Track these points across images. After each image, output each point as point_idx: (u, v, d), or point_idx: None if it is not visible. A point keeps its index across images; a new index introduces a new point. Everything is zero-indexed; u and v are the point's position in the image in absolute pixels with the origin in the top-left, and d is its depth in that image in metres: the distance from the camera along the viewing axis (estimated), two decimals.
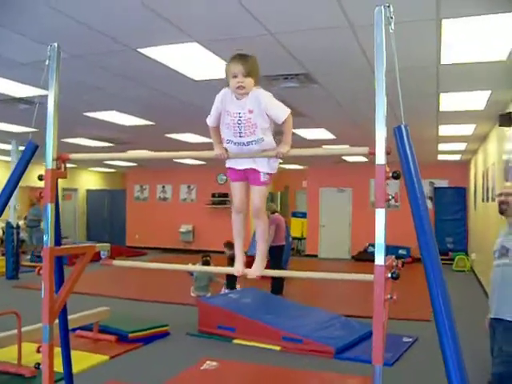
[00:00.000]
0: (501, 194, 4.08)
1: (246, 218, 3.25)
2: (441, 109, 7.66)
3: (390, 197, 2.59)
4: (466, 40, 4.78)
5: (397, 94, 2.49)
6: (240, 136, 2.84)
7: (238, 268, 3.20)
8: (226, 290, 8.71)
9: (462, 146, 12.17)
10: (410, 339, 6.55)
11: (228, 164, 3.03)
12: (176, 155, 3.69)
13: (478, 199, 12.39)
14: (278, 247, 9.74)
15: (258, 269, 3.17)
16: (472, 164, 14.49)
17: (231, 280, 9.12)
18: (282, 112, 2.87)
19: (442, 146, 12.12)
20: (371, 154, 2.64)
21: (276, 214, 10.07)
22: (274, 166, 3.01)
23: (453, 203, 16.04)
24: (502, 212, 4.03)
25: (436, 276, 2.53)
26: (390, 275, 2.61)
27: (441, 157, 14.33)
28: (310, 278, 11.87)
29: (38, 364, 3.46)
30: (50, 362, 3.35)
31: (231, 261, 8.81)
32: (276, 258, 9.49)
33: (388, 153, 2.60)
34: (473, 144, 11.73)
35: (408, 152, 2.58)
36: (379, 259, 2.61)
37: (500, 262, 3.97)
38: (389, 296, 2.64)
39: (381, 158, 2.58)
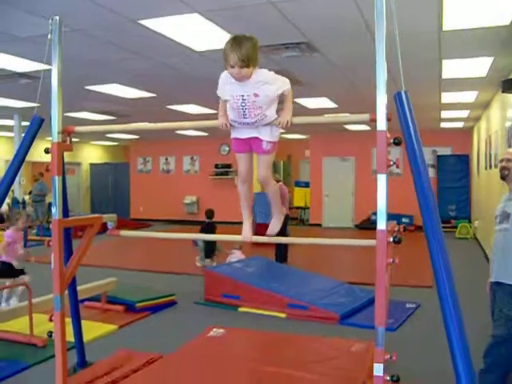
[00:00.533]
0: (502, 160, 4.11)
1: (251, 187, 3.34)
2: (443, 76, 7.64)
3: (392, 162, 2.64)
4: (469, 5, 4.76)
5: (397, 61, 2.51)
6: (244, 117, 2.90)
7: (246, 235, 3.29)
8: (232, 259, 8.77)
9: (464, 114, 12.14)
10: (413, 305, 6.64)
11: (233, 134, 3.08)
12: (178, 126, 3.73)
13: (480, 166, 12.41)
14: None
15: (276, 227, 3.32)
16: (475, 131, 14.47)
17: (208, 249, 9.23)
18: (284, 85, 2.91)
19: (444, 114, 12.09)
20: (372, 121, 2.68)
21: (279, 183, 10.12)
22: (276, 135, 3.07)
23: (455, 171, 16.04)
24: (503, 177, 4.07)
25: (437, 242, 2.58)
26: (391, 239, 2.67)
27: (443, 124, 14.30)
28: (314, 247, 12.02)
29: (51, 332, 3.54)
30: (62, 330, 3.44)
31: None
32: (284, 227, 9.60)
33: (389, 119, 2.64)
34: (475, 111, 11.71)
35: (408, 118, 2.61)
36: (381, 224, 2.66)
37: (501, 226, 4.02)
38: (391, 260, 2.70)
39: (382, 124, 2.62)
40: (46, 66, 3.53)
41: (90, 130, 3.94)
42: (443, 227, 10.17)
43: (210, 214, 9.61)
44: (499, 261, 4.00)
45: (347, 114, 4.53)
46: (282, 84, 2.90)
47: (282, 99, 2.97)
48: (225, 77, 2.89)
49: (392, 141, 2.63)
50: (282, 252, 9.62)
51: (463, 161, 16.01)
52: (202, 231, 9.16)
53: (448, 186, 16.02)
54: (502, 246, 3.99)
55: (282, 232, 9.41)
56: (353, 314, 6.28)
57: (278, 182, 9.86)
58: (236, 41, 2.73)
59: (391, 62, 2.61)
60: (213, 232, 9.08)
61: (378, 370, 2.71)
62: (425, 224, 2.59)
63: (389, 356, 2.74)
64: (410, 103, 2.65)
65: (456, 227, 14.33)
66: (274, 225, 3.34)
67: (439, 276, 2.54)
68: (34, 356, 4.97)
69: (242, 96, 2.83)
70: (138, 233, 4.29)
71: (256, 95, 2.81)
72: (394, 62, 2.70)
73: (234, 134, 3.08)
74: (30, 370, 4.70)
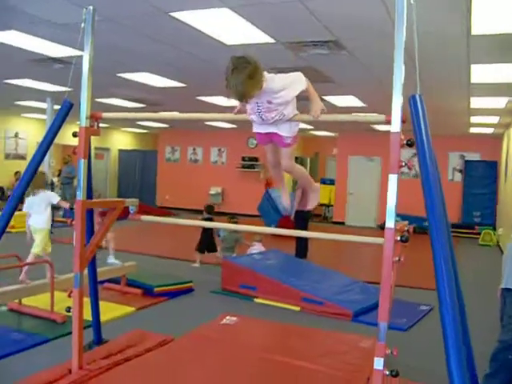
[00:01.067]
0: None
1: (281, 169, 3.51)
2: (472, 80, 7.62)
3: (404, 163, 2.72)
4: (497, 10, 4.75)
5: (424, 64, 2.58)
6: (262, 120, 3.05)
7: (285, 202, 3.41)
8: (253, 251, 8.87)
9: (494, 120, 12.03)
10: (427, 307, 6.67)
11: (254, 129, 3.21)
12: (201, 117, 3.84)
13: (508, 174, 12.29)
14: (304, 212, 9.87)
15: (313, 202, 3.52)
16: (505, 138, 14.32)
17: (203, 244, 9.26)
18: (300, 85, 3.02)
19: (474, 119, 12.01)
20: (387, 123, 2.76)
21: None
22: (295, 130, 3.17)
23: (483, 177, 15.88)
24: None
25: (441, 246, 2.62)
26: (399, 238, 2.75)
27: (473, 129, 14.18)
28: (335, 244, 12.08)
29: (69, 307, 3.71)
30: (80, 306, 3.60)
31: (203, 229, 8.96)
32: (302, 221, 9.66)
33: (403, 121, 2.72)
34: (506, 117, 11.59)
35: (421, 121, 2.69)
36: (390, 223, 2.75)
37: None
38: (397, 258, 2.78)
39: (396, 126, 2.70)
40: (79, 53, 3.68)
41: (117, 117, 4.09)
42: (467, 233, 10.22)
43: (209, 209, 9.61)
44: (510, 268, 4.05)
45: (364, 114, 4.56)
46: (298, 85, 2.99)
47: (304, 94, 3.07)
48: None
49: (405, 142, 2.72)
50: (302, 248, 9.67)
51: (491, 167, 15.85)
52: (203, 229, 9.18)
53: (474, 192, 15.88)
54: None
55: (304, 227, 9.46)
56: (366, 312, 6.34)
57: None
58: (235, 67, 2.80)
59: (419, 63, 2.67)
60: (210, 228, 9.07)
61: (378, 363, 2.80)
62: (430, 227, 2.65)
63: (389, 351, 2.83)
64: (424, 107, 2.72)
65: (480, 234, 14.22)
66: (312, 200, 3.64)
67: (439, 278, 2.59)
68: (53, 331, 5.16)
69: (257, 103, 2.95)
70: (157, 218, 4.42)
71: (269, 102, 2.93)
72: (421, 64, 2.76)
73: (256, 129, 3.21)
74: (49, 343, 4.89)
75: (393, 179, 2.71)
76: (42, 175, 6.87)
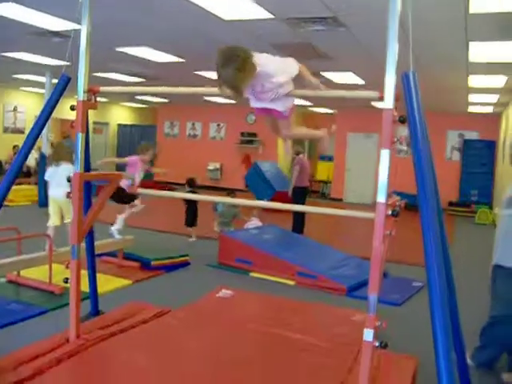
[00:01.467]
0: None
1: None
2: (470, 59, 7.62)
3: (396, 139, 2.76)
4: None
5: (422, 41, 2.58)
6: (258, 100, 3.09)
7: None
8: (250, 226, 8.93)
9: (493, 98, 12.04)
10: (420, 283, 6.76)
11: (251, 104, 3.25)
12: (201, 91, 3.85)
13: (506, 153, 12.33)
14: (302, 188, 9.90)
15: (326, 146, 3.89)
16: (503, 117, 14.34)
17: (190, 218, 9.23)
18: (291, 71, 3.05)
19: (472, 97, 12.01)
20: (381, 99, 2.79)
21: (301, 155, 10.17)
22: (290, 103, 3.20)
23: (481, 156, 15.95)
24: None
25: (430, 225, 2.65)
26: (390, 212, 2.80)
27: (472, 108, 14.20)
28: (332, 220, 12.17)
29: (67, 278, 3.77)
30: (78, 277, 3.67)
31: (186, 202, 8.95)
32: (299, 198, 9.69)
33: (397, 98, 2.75)
34: (505, 96, 11.61)
35: (414, 98, 2.71)
36: (381, 197, 2.79)
37: (507, 212, 4.12)
38: (388, 232, 2.84)
39: (389, 102, 2.73)
40: (77, 26, 3.69)
41: (114, 91, 4.11)
42: (464, 211, 10.32)
43: (191, 182, 9.56)
44: (502, 245, 4.12)
45: (359, 92, 4.59)
46: (290, 71, 3.03)
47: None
48: None
49: (397, 119, 2.75)
50: (298, 223, 9.69)
51: (489, 146, 15.90)
52: (185, 201, 9.14)
53: (472, 171, 15.97)
54: (505, 231, 4.09)
55: (301, 203, 9.45)
56: (360, 287, 6.42)
57: (298, 153, 9.94)
58: (223, 69, 2.77)
59: (415, 40, 2.69)
60: (194, 202, 9.03)
61: (368, 335, 2.86)
62: (420, 205, 2.68)
63: (379, 323, 2.90)
64: (417, 84, 2.74)
65: (476, 212, 14.31)
66: (325, 144, 3.84)
67: (429, 254, 2.64)
68: (51, 302, 5.25)
69: (252, 87, 2.98)
70: (154, 191, 4.48)
71: (263, 85, 2.96)
72: (419, 42, 2.78)
73: (253, 104, 3.24)
74: (47, 314, 4.98)
75: (385, 154, 2.74)
76: (65, 147, 6.97)
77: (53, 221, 6.86)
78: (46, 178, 6.71)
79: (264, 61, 2.90)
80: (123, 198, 6.37)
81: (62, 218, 6.90)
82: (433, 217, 2.65)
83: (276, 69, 2.95)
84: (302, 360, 3.77)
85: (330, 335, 4.28)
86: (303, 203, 9.82)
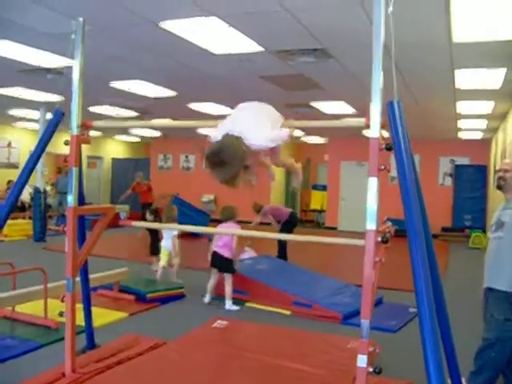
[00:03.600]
0: (499, 170, 4.26)
1: None
2: (456, 85, 7.75)
3: (382, 167, 2.82)
4: (478, 19, 4.88)
5: (410, 70, 2.65)
6: None
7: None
8: (244, 256, 8.90)
9: (482, 124, 12.20)
10: (416, 310, 6.76)
11: None
12: (193, 124, 3.94)
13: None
14: (286, 222, 10.00)
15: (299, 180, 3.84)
16: (493, 142, 14.49)
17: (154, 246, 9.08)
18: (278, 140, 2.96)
19: (461, 123, 12.16)
20: (367, 127, 2.87)
21: (261, 208, 10.18)
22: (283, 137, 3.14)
23: (473, 181, 16.05)
24: (499, 187, 4.22)
25: (418, 249, 2.70)
26: (380, 239, 2.85)
27: (462, 134, 14.37)
28: (326, 249, 12.20)
29: (62, 312, 3.79)
30: (73, 310, 3.69)
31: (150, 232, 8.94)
32: (288, 229, 9.79)
33: (383, 126, 2.82)
34: (493, 122, 11.76)
35: (398, 126, 2.78)
36: (370, 224, 2.85)
37: (496, 234, 4.17)
38: (378, 259, 2.88)
39: (375, 130, 2.80)
40: (70, 62, 3.77)
41: (107, 125, 4.18)
42: (457, 236, 10.32)
43: (154, 211, 9.44)
44: (492, 267, 4.16)
45: (347, 120, 4.70)
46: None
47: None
48: None
49: (384, 147, 2.82)
50: (282, 250, 9.78)
51: (481, 171, 16.02)
52: (149, 230, 9.02)
53: (465, 196, 16.06)
54: (494, 253, 4.14)
55: (286, 232, 9.40)
56: (356, 315, 6.41)
57: (259, 211, 9.97)
58: (215, 173, 2.74)
59: (403, 70, 2.76)
60: (156, 231, 8.94)
61: (362, 361, 2.88)
62: (408, 231, 2.73)
63: (373, 348, 2.92)
64: (402, 112, 2.81)
65: (469, 237, 14.35)
66: (299, 179, 3.82)
67: (418, 283, 2.68)
68: (47, 337, 5.22)
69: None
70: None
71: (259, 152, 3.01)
72: (406, 71, 2.86)
73: None
74: (43, 349, 4.95)
75: (372, 182, 2.81)
76: (174, 208, 8.50)
77: (163, 262, 8.08)
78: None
79: (253, 136, 2.77)
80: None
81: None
82: (420, 242, 2.70)
83: (266, 137, 2.84)
84: None
85: (325, 363, 4.29)
86: (288, 231, 9.79)
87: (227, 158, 2.68)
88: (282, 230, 9.71)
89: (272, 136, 2.85)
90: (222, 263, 7.00)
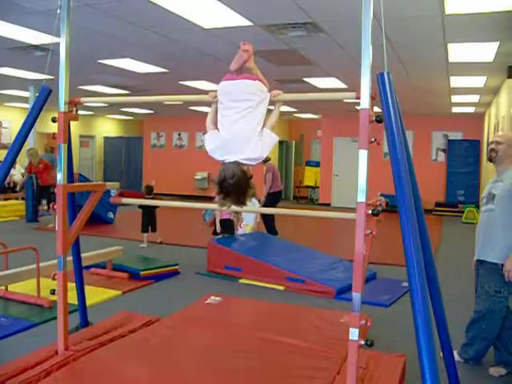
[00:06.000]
0: (491, 142, 4.25)
1: None
2: (450, 59, 7.70)
3: (373, 139, 2.80)
4: None
5: (403, 44, 2.62)
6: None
7: None
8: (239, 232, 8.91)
9: (475, 99, 12.16)
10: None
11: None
12: (180, 98, 3.89)
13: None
14: (275, 193, 10.15)
15: None
16: (486, 117, 14.47)
17: (145, 224, 9.27)
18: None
19: (455, 98, 12.12)
20: (358, 99, 2.84)
21: (269, 162, 10.25)
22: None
23: (466, 156, 16.07)
24: (490, 159, 4.21)
25: (409, 226, 2.69)
26: (370, 212, 2.84)
27: (455, 109, 14.32)
28: (320, 225, 12.22)
29: (54, 290, 3.78)
30: (64, 288, 3.68)
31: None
32: (271, 202, 9.87)
33: (373, 97, 2.79)
34: (486, 96, 11.73)
35: (389, 98, 2.76)
36: (361, 197, 2.84)
37: (486, 207, 4.18)
38: (369, 231, 2.87)
39: (365, 102, 2.78)
40: (57, 39, 3.71)
41: (96, 101, 4.13)
42: (451, 211, 10.38)
43: (148, 189, 9.61)
44: (482, 240, 4.17)
45: (337, 93, 4.65)
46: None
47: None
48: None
49: (374, 118, 2.79)
50: (270, 226, 9.80)
51: (474, 146, 16.02)
52: (141, 207, 9.15)
53: (458, 171, 16.07)
54: (485, 226, 4.15)
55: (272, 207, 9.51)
56: (349, 290, 6.42)
57: (266, 161, 9.92)
58: (228, 199, 2.93)
59: (395, 41, 2.73)
60: (152, 208, 9.14)
61: (353, 334, 2.89)
62: (399, 206, 2.72)
63: (364, 321, 2.93)
64: (392, 84, 2.79)
65: (463, 212, 14.40)
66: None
67: (409, 258, 2.68)
68: (40, 316, 5.24)
69: None
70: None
71: None
72: (399, 43, 2.82)
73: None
74: (36, 328, 4.97)
75: (363, 155, 2.79)
76: None
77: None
78: None
79: (246, 155, 2.92)
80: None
81: None
82: (411, 216, 2.69)
83: (259, 152, 2.96)
84: (292, 362, 3.79)
85: (318, 337, 4.30)
86: (274, 206, 9.85)
87: (234, 188, 2.88)
88: (269, 202, 9.83)
89: (262, 149, 2.96)
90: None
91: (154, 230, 9.27)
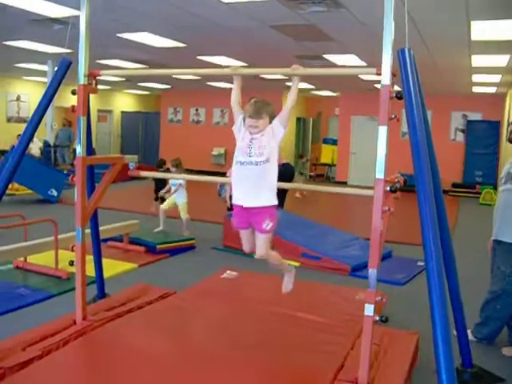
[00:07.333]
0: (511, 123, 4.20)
1: None
2: (472, 38, 7.57)
3: (393, 115, 2.78)
4: None
5: (424, 21, 2.58)
6: (249, 156, 3.08)
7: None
8: None
9: (496, 78, 11.96)
10: (424, 263, 6.79)
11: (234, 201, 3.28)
12: (198, 72, 3.89)
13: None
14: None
15: (289, 286, 3.99)
16: (507, 97, 14.27)
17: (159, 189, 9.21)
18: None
19: (476, 77, 11.95)
20: (378, 75, 2.82)
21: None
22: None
23: (485, 137, 15.86)
24: (510, 141, 4.17)
25: (427, 205, 2.69)
26: (388, 188, 2.84)
27: (475, 89, 14.11)
28: (337, 202, 12.21)
29: (72, 261, 3.84)
30: (83, 259, 3.73)
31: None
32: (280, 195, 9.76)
33: (393, 74, 2.78)
34: (508, 76, 11.53)
35: (409, 74, 2.74)
36: (379, 174, 2.83)
37: (505, 187, 4.15)
38: (386, 208, 2.87)
39: (386, 78, 2.76)
40: (77, 12, 3.71)
41: (114, 74, 4.13)
42: (468, 193, 10.34)
43: (160, 163, 9.87)
44: (500, 220, 4.15)
45: (357, 69, 4.62)
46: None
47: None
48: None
49: (394, 95, 2.78)
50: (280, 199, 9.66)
51: (494, 127, 15.81)
52: (154, 179, 9.31)
53: (476, 152, 15.89)
54: (503, 206, 4.12)
55: (281, 199, 9.44)
56: (365, 267, 6.43)
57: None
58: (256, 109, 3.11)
59: (417, 19, 2.70)
60: (164, 182, 9.07)
61: (369, 310, 2.91)
62: (417, 182, 2.71)
63: (379, 298, 2.94)
64: (414, 61, 2.76)
65: (480, 193, 14.28)
66: (288, 284, 3.90)
67: (426, 237, 2.68)
68: (58, 287, 5.32)
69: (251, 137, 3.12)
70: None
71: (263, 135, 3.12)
72: (420, 21, 2.78)
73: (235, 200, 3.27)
74: (54, 298, 5.05)
75: (382, 131, 2.78)
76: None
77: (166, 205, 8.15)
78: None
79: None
80: None
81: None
82: (429, 194, 2.68)
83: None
84: (307, 337, 3.84)
85: (333, 313, 4.34)
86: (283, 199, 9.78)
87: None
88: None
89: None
90: None
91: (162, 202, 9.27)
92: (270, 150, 3.04)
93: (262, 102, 3.12)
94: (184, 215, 8.12)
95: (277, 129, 3.06)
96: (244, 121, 3.14)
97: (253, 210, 3.16)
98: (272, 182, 3.12)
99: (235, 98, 3.29)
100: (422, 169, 2.67)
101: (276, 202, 3.19)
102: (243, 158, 3.08)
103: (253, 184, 3.10)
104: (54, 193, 10.79)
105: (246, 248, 3.50)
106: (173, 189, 8.09)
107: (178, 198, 8.10)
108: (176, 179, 7.98)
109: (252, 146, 3.04)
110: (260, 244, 3.31)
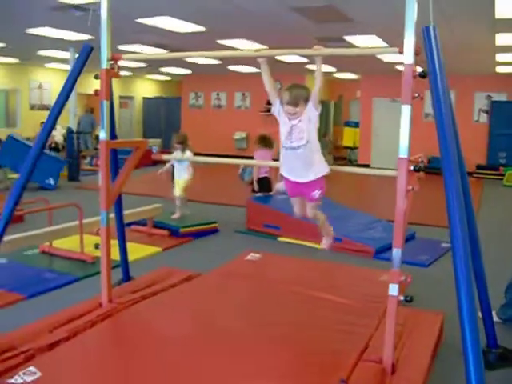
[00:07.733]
0: None
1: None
2: (496, 15, 7.43)
3: (416, 94, 2.75)
4: None
5: None
6: (291, 142, 3.26)
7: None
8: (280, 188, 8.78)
9: None
10: (449, 245, 6.74)
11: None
12: (219, 54, 3.88)
13: None
14: None
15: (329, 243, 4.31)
16: None
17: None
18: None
19: (500, 57, 11.74)
20: (400, 53, 2.79)
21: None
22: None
23: (510, 118, 15.55)
24: None
25: (454, 187, 2.67)
26: (412, 168, 2.82)
27: (499, 68, 13.87)
28: (359, 184, 12.17)
29: (98, 244, 3.88)
30: (108, 242, 3.77)
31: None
32: None
33: (417, 53, 2.74)
34: None
35: (434, 52, 2.70)
36: (403, 153, 2.81)
37: None
38: (410, 187, 2.85)
39: (409, 57, 2.73)
40: None
41: (137, 58, 4.14)
42: (492, 174, 10.26)
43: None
44: None
45: (379, 48, 4.54)
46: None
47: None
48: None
49: (418, 73, 2.75)
50: None
51: None
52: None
53: (500, 133, 15.60)
54: None
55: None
56: (388, 249, 6.41)
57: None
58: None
59: None
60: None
61: (393, 289, 2.91)
62: (442, 160, 2.69)
63: (404, 278, 2.94)
64: (438, 38, 2.72)
65: (504, 175, 14.09)
66: (324, 244, 4.23)
67: (453, 219, 2.66)
68: (84, 271, 5.38)
69: (292, 124, 3.27)
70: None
71: (300, 121, 3.28)
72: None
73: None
74: (80, 282, 5.12)
75: (406, 110, 2.76)
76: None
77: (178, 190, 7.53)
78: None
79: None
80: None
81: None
82: (454, 171, 2.66)
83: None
84: (330, 317, 3.84)
85: (357, 294, 4.34)
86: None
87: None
88: None
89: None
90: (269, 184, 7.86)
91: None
92: (308, 132, 3.21)
93: (297, 88, 3.29)
94: (179, 191, 7.47)
95: (312, 113, 3.23)
96: (281, 105, 3.30)
97: (302, 184, 3.38)
98: (316, 158, 3.32)
99: (268, 83, 3.46)
100: (447, 146, 2.65)
101: (325, 171, 3.36)
102: (286, 143, 3.29)
103: (299, 165, 3.30)
104: (52, 181, 10.60)
105: (297, 213, 3.83)
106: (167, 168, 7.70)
107: (179, 172, 7.51)
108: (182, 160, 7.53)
109: (292, 133, 3.24)
110: (309, 208, 3.66)
